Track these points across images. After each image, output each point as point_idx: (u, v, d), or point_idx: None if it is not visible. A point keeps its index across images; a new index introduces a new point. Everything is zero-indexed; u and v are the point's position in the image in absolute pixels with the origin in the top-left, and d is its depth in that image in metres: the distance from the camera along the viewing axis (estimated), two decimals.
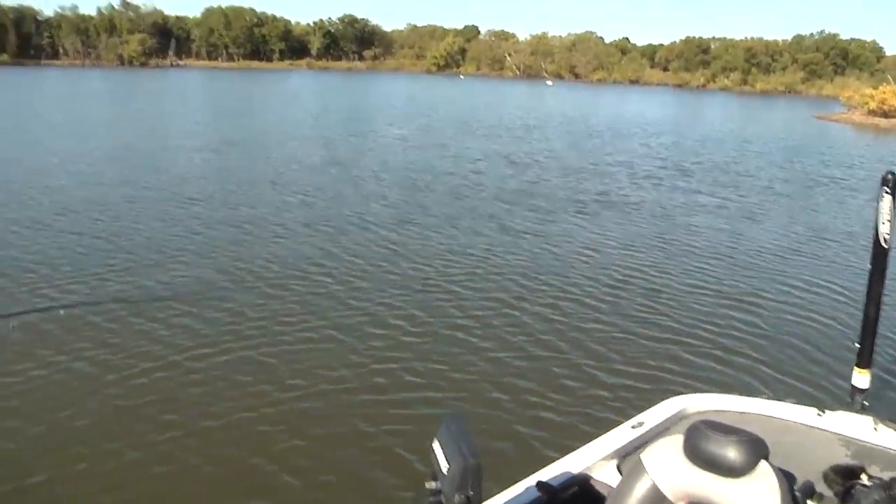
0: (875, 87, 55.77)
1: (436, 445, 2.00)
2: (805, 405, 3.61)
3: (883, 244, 3.94)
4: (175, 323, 8.20)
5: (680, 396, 3.79)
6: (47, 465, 5.36)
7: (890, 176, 3.83)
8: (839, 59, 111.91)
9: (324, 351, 7.65)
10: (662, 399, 3.78)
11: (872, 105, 51.60)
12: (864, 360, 3.93)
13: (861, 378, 3.95)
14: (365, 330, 8.26)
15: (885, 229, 3.92)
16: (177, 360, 7.26)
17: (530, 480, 2.88)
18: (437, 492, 1.94)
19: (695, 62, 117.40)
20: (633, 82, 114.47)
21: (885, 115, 49.80)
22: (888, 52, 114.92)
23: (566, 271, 10.94)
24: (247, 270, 10.32)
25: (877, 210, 3.93)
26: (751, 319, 9.10)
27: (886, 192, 3.85)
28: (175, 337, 7.82)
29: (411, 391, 6.80)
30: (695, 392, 4.09)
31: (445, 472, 1.91)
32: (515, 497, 2.81)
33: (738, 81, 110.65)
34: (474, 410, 6.39)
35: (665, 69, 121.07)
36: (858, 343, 4.01)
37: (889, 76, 63.79)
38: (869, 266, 4.09)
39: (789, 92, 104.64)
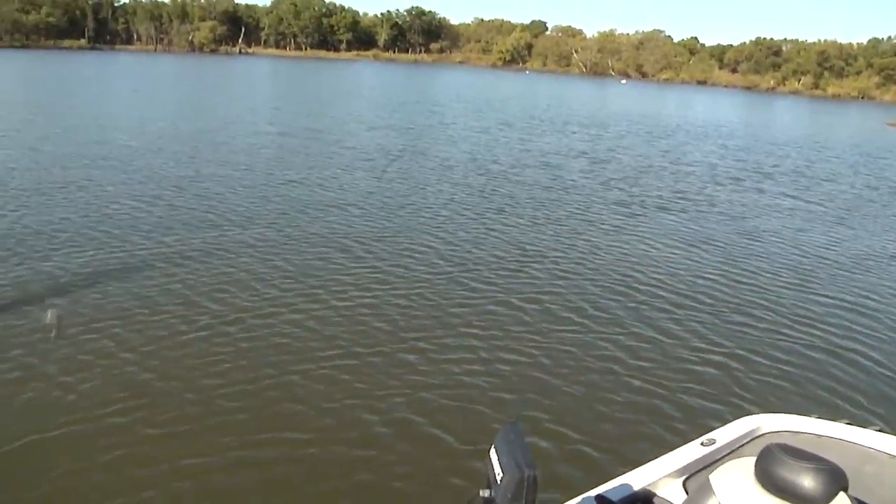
0: None
1: (492, 453, 1.95)
2: (889, 433, 3.47)
3: None
4: (251, 286, 8.89)
5: (754, 415, 3.69)
6: (117, 399, 5.99)
7: None
8: None
9: (398, 327, 7.94)
10: (737, 416, 3.73)
11: None
12: None
13: None
14: (440, 309, 8.54)
15: None
16: (243, 317, 7.88)
17: (591, 494, 2.81)
18: (490, 500, 1.88)
19: (765, 64, 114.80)
20: (701, 83, 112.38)
21: None
22: None
23: (650, 271, 10.85)
24: (336, 248, 10.84)
25: None
26: (840, 333, 8.67)
27: None
28: (247, 297, 8.52)
29: (477, 386, 6.69)
30: (771, 410, 3.98)
31: (499, 482, 1.85)
32: None
33: (810, 85, 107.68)
34: (542, 414, 6.22)
35: (734, 70, 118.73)
36: None
37: None
38: None
39: (863, 97, 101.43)
